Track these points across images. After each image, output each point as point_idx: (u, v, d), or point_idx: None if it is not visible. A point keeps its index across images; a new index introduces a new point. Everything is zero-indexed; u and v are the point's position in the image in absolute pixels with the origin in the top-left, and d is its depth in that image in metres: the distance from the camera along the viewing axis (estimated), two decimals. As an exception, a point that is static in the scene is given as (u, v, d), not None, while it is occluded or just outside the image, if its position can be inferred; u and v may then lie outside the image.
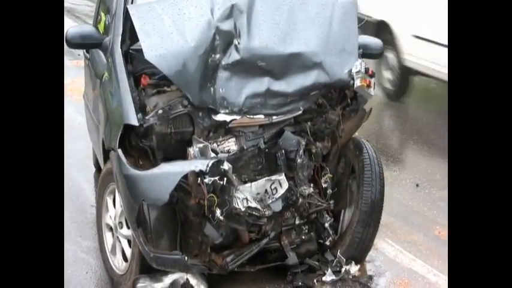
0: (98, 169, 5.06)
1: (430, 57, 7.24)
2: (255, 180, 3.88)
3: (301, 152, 3.96)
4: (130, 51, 4.04)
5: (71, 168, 5.85)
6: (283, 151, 3.95)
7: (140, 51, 3.81)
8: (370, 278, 4.11)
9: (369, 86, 4.03)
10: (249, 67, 3.88)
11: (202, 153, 3.73)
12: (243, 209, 3.76)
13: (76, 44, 4.47)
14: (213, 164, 3.59)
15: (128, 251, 3.90)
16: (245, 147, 3.90)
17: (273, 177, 3.88)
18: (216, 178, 3.60)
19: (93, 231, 4.45)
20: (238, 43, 3.86)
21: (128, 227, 3.80)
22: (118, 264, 4.01)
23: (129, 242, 3.89)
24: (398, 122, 8.05)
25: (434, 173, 6.00)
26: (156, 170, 3.61)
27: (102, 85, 4.33)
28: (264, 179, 3.88)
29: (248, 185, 3.83)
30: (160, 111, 3.76)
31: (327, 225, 4.09)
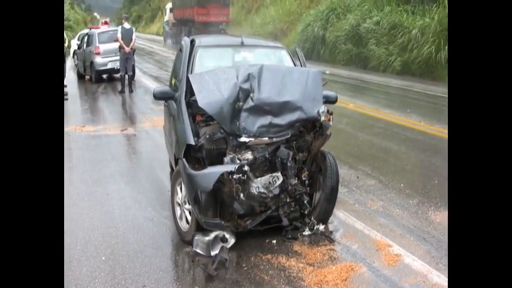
0: (172, 170, 5.05)
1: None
2: (263, 176, 3.91)
3: (290, 159, 3.99)
4: (190, 101, 4.10)
5: (156, 168, 6.03)
6: (279, 158, 3.98)
7: (195, 101, 3.90)
8: (331, 232, 4.13)
9: (329, 120, 4.08)
10: (259, 110, 3.95)
11: (232, 161, 3.83)
12: (256, 193, 3.83)
13: (159, 97, 4.58)
14: (238, 167, 3.69)
15: (189, 218, 3.94)
16: (257, 157, 3.92)
17: (274, 174, 3.93)
18: (240, 175, 3.69)
19: (169, 206, 4.45)
20: (253, 96, 3.96)
21: (189, 204, 3.84)
22: (183, 225, 4.03)
23: (190, 212, 3.91)
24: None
25: (366, 166, 5.97)
26: (205, 171, 3.69)
27: (174, 120, 4.41)
28: (268, 175, 3.92)
29: (259, 179, 3.88)
30: (207, 136, 3.87)
31: (305, 201, 4.07)
